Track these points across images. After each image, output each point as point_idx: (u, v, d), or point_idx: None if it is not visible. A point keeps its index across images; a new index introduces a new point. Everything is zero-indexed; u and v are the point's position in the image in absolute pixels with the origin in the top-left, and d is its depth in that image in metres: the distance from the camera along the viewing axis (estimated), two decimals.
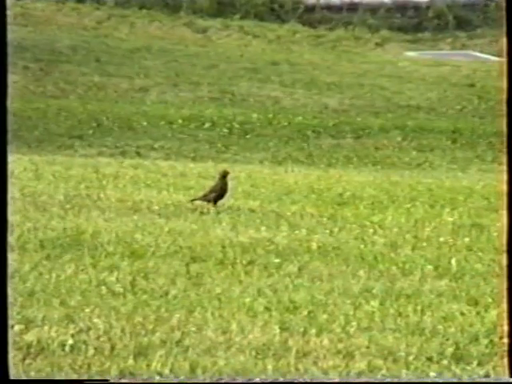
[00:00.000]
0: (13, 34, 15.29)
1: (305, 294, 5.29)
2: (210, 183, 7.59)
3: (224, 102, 13.52)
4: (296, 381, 1.54)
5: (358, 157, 11.12)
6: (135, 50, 15.13)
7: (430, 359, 4.48)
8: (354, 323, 4.85)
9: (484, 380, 1.51)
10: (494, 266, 6.05)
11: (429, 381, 1.44)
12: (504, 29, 1.75)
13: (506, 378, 1.54)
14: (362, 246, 6.36)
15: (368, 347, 4.56)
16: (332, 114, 13.15)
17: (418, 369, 4.37)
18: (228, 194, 7.36)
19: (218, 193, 7.29)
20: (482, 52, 16.40)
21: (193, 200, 7.34)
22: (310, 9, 17.00)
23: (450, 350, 4.58)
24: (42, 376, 4.15)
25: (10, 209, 6.90)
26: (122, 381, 1.59)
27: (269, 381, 1.49)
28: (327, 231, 6.76)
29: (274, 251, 6.12)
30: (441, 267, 5.94)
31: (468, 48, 16.54)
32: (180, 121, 12.15)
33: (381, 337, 4.70)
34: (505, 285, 1.70)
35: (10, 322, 4.61)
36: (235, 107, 13.19)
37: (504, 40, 1.74)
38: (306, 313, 4.99)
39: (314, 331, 4.72)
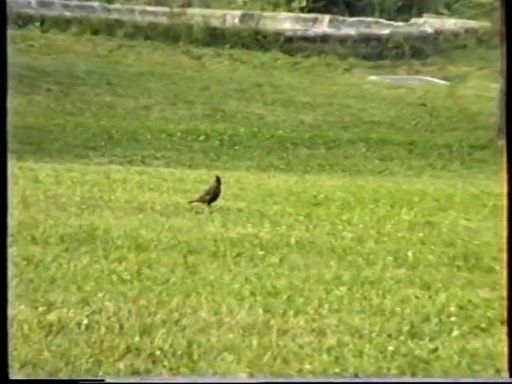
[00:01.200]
0: (38, 61, 15.23)
1: (285, 281, 5.28)
2: (204, 187, 7.57)
3: (216, 118, 13.50)
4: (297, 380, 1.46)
5: (330, 165, 11.11)
6: (140, 74, 15.10)
7: (389, 336, 4.47)
8: (326, 306, 4.84)
9: (484, 380, 1.45)
10: (443, 257, 6.04)
11: (429, 381, 1.38)
12: (503, 29, 1.68)
13: (506, 378, 1.46)
14: (333, 241, 6.35)
15: (338, 326, 4.55)
16: (307, 129, 13.13)
17: (379, 344, 4.36)
18: (220, 197, 7.35)
19: (212, 196, 7.28)
20: (432, 77, 16.40)
21: (190, 202, 7.32)
22: (289, 40, 16.98)
23: (406, 328, 4.58)
24: (44, 374, 4.12)
25: (35, 209, 6.87)
26: (118, 380, 1.52)
27: (271, 381, 1.40)
28: (304, 228, 6.75)
29: (259, 245, 6.11)
30: (399, 258, 5.93)
31: (421, 73, 16.54)
32: (178, 134, 12.13)
33: (348, 317, 4.69)
34: (505, 283, 1.63)
35: (35, 304, 4.59)
36: (225, 123, 13.16)
37: (504, 47, 1.67)
38: (285, 297, 4.98)
39: (292, 313, 4.71)
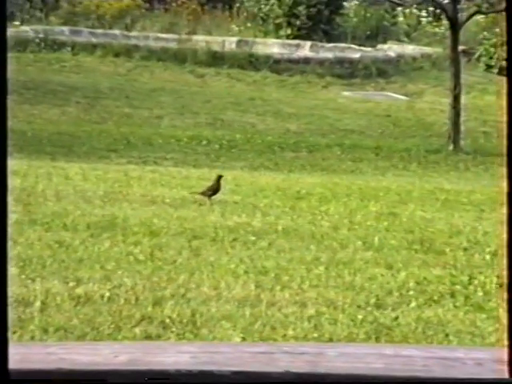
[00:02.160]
0: (69, 79, 15.17)
1: (273, 262, 5.26)
2: (206, 183, 7.55)
3: (216, 126, 13.46)
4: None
5: (311, 165, 11.09)
6: (154, 90, 15.05)
7: (359, 306, 4.46)
8: (307, 282, 4.83)
9: (484, 380, 1.39)
10: (404, 241, 6.03)
11: (429, 380, 1.35)
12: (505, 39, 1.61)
13: (506, 378, 1.40)
14: (313, 228, 6.33)
15: (316, 299, 4.54)
16: (292, 135, 13.10)
17: (351, 313, 4.35)
18: (220, 192, 7.32)
19: (213, 191, 7.25)
20: (395, 93, 16.38)
21: (192, 193, 7.27)
22: (277, 61, 16.95)
23: (373, 300, 4.57)
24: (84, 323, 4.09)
25: (66, 201, 6.83)
26: (121, 381, 1.47)
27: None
28: (289, 217, 6.73)
29: (251, 232, 6.09)
30: (367, 243, 5.92)
31: (386, 90, 16.52)
32: (185, 139, 12.09)
33: (325, 291, 4.68)
34: (505, 284, 1.55)
35: (66, 280, 4.56)
36: (224, 130, 13.13)
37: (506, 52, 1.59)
38: (273, 275, 4.96)
39: (278, 288, 4.70)
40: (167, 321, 4.13)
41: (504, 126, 1.55)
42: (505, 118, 1.55)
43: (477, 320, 4.34)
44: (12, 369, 1.50)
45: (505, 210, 1.55)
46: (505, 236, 1.55)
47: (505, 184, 1.53)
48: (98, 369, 1.61)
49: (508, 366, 1.57)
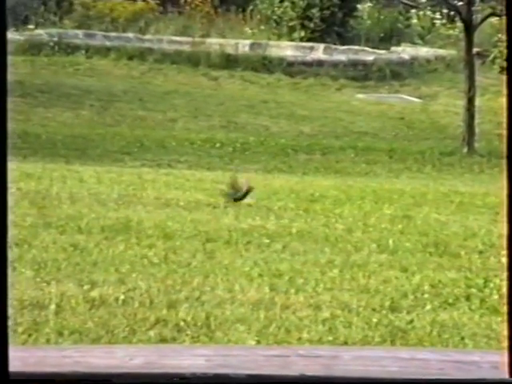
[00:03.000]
0: (83, 82, 15.21)
1: (287, 265, 5.26)
2: (221, 186, 7.54)
3: (230, 128, 13.46)
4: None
5: (324, 168, 11.08)
6: (167, 93, 15.08)
7: (373, 310, 4.45)
8: (322, 285, 4.83)
9: (484, 380, 1.39)
10: (418, 244, 6.02)
11: (428, 381, 1.35)
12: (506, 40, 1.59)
13: (506, 378, 1.40)
14: (327, 231, 6.32)
15: (331, 302, 4.54)
16: (306, 138, 13.09)
17: (365, 316, 4.34)
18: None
19: (240, 197, 7.09)
20: (409, 95, 16.35)
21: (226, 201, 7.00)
22: (291, 64, 16.95)
23: (388, 303, 4.56)
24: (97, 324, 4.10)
25: (80, 204, 6.85)
26: (126, 381, 1.46)
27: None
28: (303, 220, 6.72)
29: (266, 234, 6.09)
30: (382, 245, 5.91)
31: (400, 92, 16.49)
32: (199, 142, 12.10)
33: (340, 294, 4.67)
34: (505, 285, 1.55)
35: (81, 283, 4.57)
36: (238, 132, 13.13)
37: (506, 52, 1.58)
38: (287, 278, 4.96)
39: (293, 291, 4.69)
40: (182, 324, 4.13)
41: (504, 127, 1.53)
42: (505, 120, 1.54)
43: (492, 323, 4.33)
44: (12, 371, 1.50)
45: (505, 219, 1.53)
46: (505, 243, 1.54)
47: (505, 184, 1.51)
48: (109, 371, 1.61)
49: (509, 366, 1.56)
